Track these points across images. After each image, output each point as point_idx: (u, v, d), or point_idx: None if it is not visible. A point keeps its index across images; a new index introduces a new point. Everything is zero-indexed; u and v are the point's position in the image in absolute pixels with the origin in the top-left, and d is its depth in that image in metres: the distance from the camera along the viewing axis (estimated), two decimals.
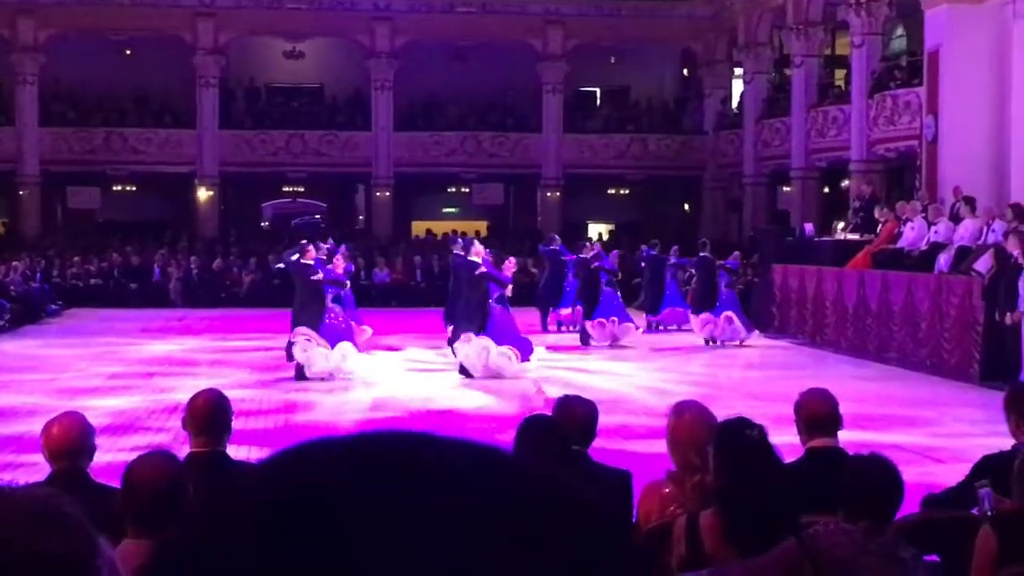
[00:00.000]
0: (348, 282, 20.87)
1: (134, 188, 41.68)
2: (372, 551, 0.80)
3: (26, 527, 1.39)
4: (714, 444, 4.91)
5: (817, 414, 6.19)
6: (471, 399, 16.92)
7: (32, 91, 38.79)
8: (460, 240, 23.42)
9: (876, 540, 4.42)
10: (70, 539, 1.41)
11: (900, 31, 34.60)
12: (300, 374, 18.70)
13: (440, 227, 41.68)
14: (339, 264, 20.08)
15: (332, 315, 19.30)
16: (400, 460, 0.86)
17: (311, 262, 19.55)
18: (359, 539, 0.80)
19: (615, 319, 24.55)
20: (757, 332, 25.09)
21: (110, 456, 11.39)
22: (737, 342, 24.57)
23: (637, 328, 25.04)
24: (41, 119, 38.91)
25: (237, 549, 0.82)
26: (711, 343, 24.72)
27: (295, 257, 19.88)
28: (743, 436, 4.88)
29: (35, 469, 9.27)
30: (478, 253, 19.87)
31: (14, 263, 32.32)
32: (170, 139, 39.66)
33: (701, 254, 26.91)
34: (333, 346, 18.83)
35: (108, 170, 39.51)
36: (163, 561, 0.88)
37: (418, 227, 42.37)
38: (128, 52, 40.40)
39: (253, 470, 0.89)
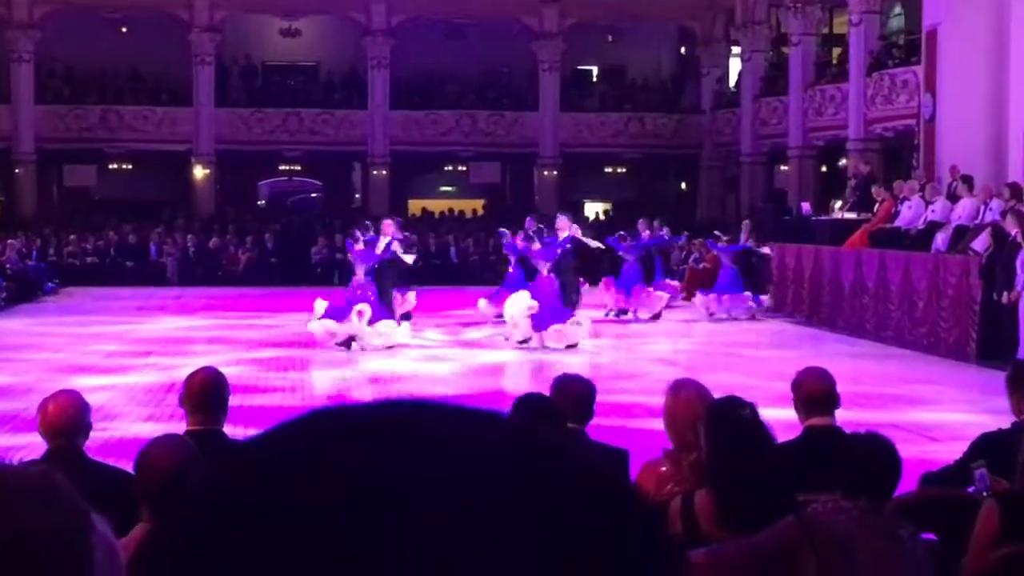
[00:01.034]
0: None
1: (130, 166, 41.61)
2: (377, 520, 0.78)
3: (16, 505, 1.38)
4: (705, 423, 4.91)
5: (815, 392, 6.19)
6: (472, 377, 16.93)
7: (28, 69, 38.69)
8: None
9: (874, 518, 4.42)
10: (61, 515, 1.40)
11: (898, 9, 34.53)
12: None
13: (436, 206, 41.67)
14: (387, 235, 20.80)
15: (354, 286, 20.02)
16: (403, 426, 0.85)
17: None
18: (365, 508, 0.79)
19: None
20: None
21: (107, 434, 11.40)
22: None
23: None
24: (37, 97, 38.83)
25: (239, 523, 0.81)
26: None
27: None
28: (735, 415, 4.88)
29: (31, 448, 9.28)
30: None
31: (10, 241, 32.29)
32: (166, 117, 39.59)
33: (645, 232, 27.38)
34: (347, 314, 19.32)
35: (104, 148, 39.47)
36: (165, 537, 0.86)
37: (414, 206, 42.32)
38: (124, 30, 40.29)
39: (251, 443, 0.87)
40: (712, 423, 4.87)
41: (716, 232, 28.42)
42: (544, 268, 20.70)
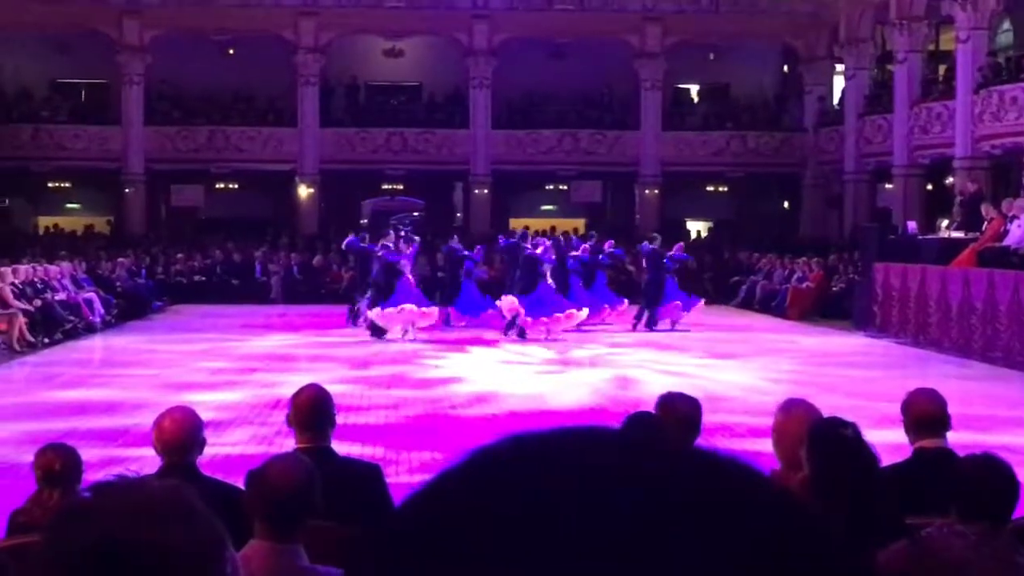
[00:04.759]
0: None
1: (236, 186, 42.23)
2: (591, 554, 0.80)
3: (158, 518, 1.41)
4: (807, 442, 4.86)
5: (926, 414, 6.11)
6: (567, 393, 16.90)
7: (138, 91, 39.49)
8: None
9: (991, 543, 4.34)
10: (199, 529, 1.43)
11: (1007, 25, 34.00)
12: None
13: (538, 224, 41.69)
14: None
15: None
16: (587, 453, 0.87)
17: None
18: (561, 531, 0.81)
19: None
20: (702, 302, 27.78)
21: (213, 451, 11.56)
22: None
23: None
24: (146, 118, 39.61)
25: (437, 546, 0.83)
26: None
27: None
28: (837, 434, 4.83)
29: (143, 463, 9.44)
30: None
31: (120, 260, 32.94)
32: (272, 137, 40.15)
33: (649, 247, 28.04)
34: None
35: (211, 168, 40.09)
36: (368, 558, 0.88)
37: (516, 224, 42.28)
38: (231, 51, 40.97)
39: (452, 470, 0.89)
40: (814, 442, 4.83)
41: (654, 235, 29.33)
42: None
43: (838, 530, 0.88)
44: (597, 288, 28.02)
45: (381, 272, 25.35)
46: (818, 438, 4.86)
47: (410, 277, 25.09)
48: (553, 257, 25.76)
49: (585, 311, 25.20)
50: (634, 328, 26.55)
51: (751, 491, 0.86)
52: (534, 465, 0.85)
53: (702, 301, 28.06)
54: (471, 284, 27.64)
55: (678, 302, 27.26)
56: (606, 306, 27.80)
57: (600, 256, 28.54)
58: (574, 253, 27.81)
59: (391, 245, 25.42)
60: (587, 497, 0.81)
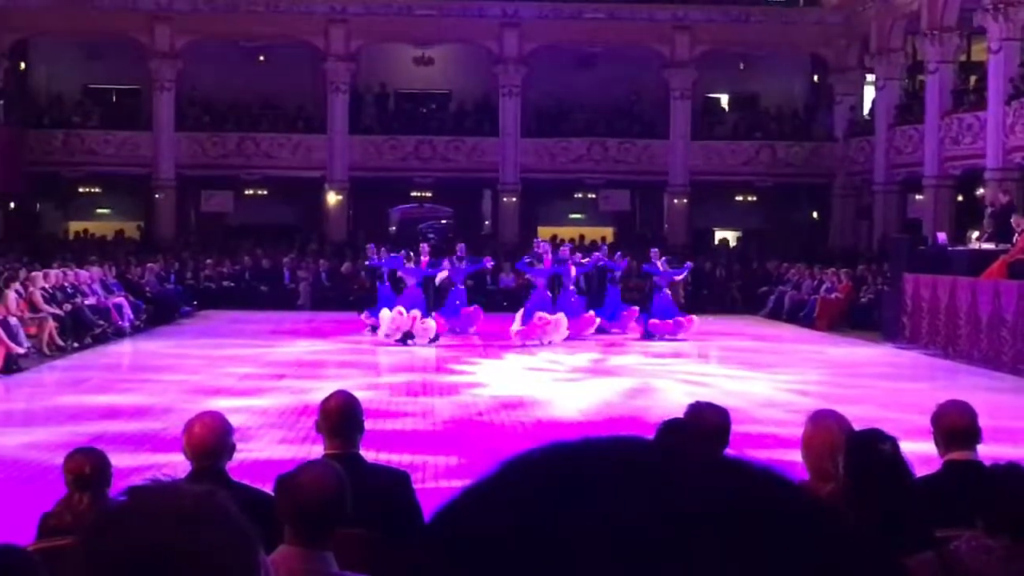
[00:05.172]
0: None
1: (265, 192, 42.36)
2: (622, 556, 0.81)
3: (190, 523, 1.42)
4: (845, 453, 4.84)
5: (956, 426, 6.07)
6: (594, 402, 16.88)
7: (169, 97, 39.68)
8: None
9: (1020, 558, 4.31)
10: (233, 533, 1.44)
11: None
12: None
13: (566, 233, 41.69)
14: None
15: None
16: (634, 462, 0.87)
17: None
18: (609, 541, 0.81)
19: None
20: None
21: (241, 456, 11.58)
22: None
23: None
24: (177, 124, 39.78)
25: (484, 553, 0.83)
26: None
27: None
28: (875, 448, 4.81)
29: (172, 467, 9.49)
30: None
31: (149, 265, 33.08)
32: (301, 144, 40.27)
33: (594, 254, 28.55)
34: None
35: (241, 174, 40.24)
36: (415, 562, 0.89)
37: (544, 233, 42.31)
38: (261, 59, 41.15)
39: (495, 475, 0.89)
40: (852, 454, 4.81)
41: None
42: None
43: (871, 539, 0.88)
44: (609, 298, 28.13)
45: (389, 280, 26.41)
46: (856, 449, 4.84)
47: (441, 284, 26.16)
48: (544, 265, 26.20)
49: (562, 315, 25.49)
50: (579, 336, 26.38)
51: (786, 501, 0.86)
52: (570, 476, 0.85)
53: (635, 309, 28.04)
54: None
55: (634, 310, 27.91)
56: (624, 313, 27.92)
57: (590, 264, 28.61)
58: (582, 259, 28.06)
59: (405, 257, 26.22)
60: (625, 507, 0.82)
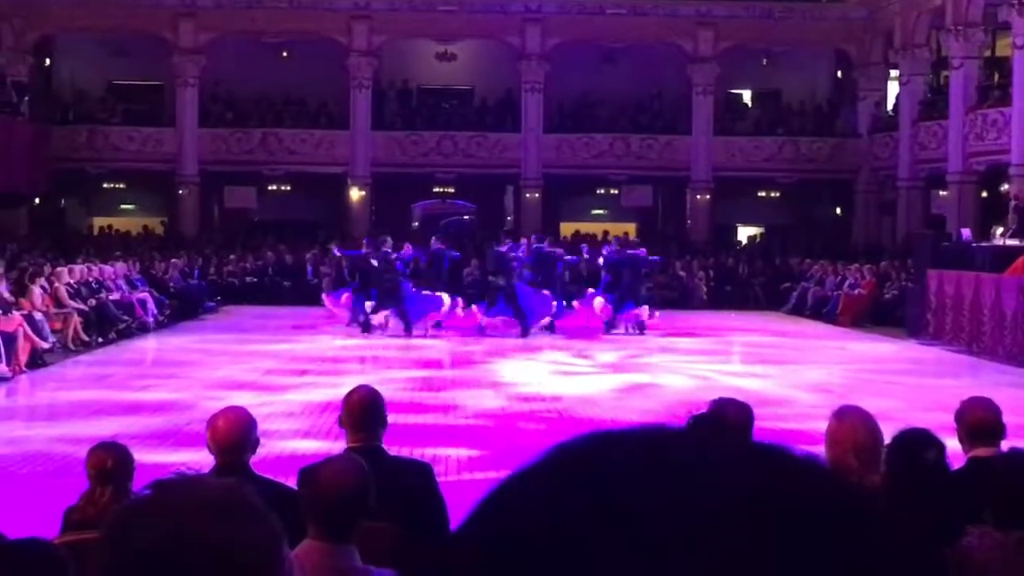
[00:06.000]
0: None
1: (288, 188, 42.46)
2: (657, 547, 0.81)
3: (216, 516, 1.43)
4: (888, 453, 4.80)
5: (981, 422, 6.05)
6: (619, 397, 16.88)
7: (192, 93, 39.79)
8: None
9: None
10: (259, 527, 1.45)
11: None
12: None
13: (589, 228, 41.64)
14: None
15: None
16: (665, 449, 0.88)
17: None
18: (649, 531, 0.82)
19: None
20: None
21: (264, 450, 11.60)
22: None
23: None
24: (200, 120, 39.89)
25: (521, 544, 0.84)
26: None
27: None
28: (919, 453, 4.76)
29: (194, 463, 9.52)
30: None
31: (173, 260, 33.18)
32: (324, 140, 40.33)
33: (535, 246, 27.93)
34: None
35: (263, 170, 40.32)
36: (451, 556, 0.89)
37: (566, 228, 42.38)
38: (284, 55, 41.22)
39: (534, 465, 0.89)
40: (895, 451, 4.77)
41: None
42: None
43: (913, 535, 0.89)
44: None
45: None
46: (900, 448, 4.79)
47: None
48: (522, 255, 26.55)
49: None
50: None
51: (824, 488, 0.86)
52: (615, 464, 0.86)
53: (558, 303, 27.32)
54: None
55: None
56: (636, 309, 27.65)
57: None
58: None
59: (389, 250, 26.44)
60: (670, 495, 0.82)
